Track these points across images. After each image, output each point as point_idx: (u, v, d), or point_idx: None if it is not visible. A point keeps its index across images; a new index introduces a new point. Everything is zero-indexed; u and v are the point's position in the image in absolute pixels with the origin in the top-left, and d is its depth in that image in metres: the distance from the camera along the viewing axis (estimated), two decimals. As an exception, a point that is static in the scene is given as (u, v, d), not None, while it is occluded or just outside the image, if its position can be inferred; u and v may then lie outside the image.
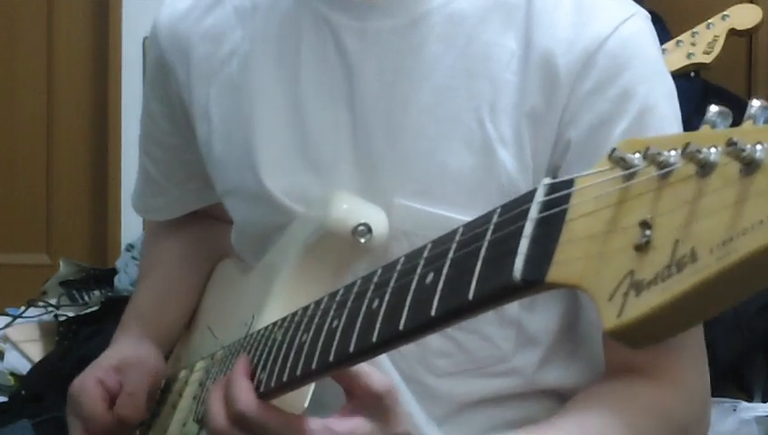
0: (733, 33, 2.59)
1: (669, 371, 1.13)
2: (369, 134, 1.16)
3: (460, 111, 1.14)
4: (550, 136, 1.13)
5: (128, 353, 1.37)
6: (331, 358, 0.91)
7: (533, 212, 0.69)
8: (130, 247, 3.35)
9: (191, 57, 1.29)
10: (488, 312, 1.09)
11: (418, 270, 0.81)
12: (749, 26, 2.60)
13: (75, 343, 2.94)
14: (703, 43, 2.57)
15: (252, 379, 1.04)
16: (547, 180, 0.71)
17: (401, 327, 0.81)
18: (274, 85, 1.22)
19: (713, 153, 0.57)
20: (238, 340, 1.17)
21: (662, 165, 0.59)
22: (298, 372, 0.96)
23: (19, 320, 3.18)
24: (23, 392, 2.85)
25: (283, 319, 1.04)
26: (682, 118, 1.16)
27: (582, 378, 1.20)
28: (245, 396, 1.01)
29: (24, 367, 3.02)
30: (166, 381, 1.40)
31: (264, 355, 1.03)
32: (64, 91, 3.81)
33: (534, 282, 0.67)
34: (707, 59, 2.56)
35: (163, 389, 1.40)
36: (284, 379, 0.98)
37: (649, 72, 1.14)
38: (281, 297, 1.16)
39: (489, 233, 0.74)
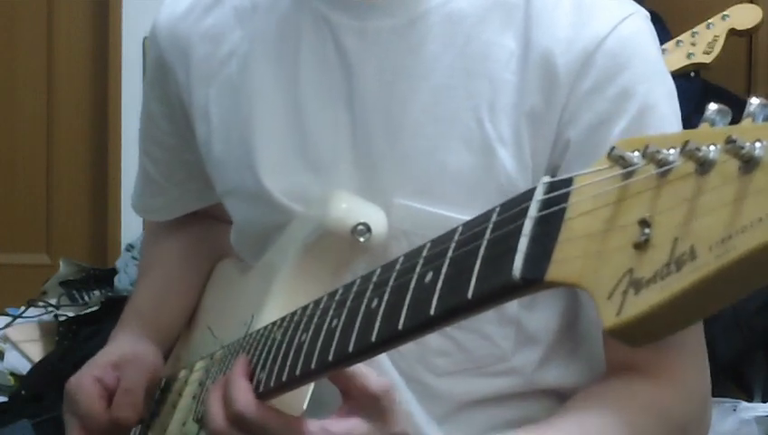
0: (733, 33, 2.59)
1: (669, 369, 1.13)
2: (369, 134, 1.16)
3: (459, 110, 1.14)
4: (549, 135, 1.13)
5: (126, 350, 1.37)
6: (330, 357, 0.91)
7: (533, 211, 0.69)
8: (130, 247, 3.35)
9: (191, 57, 1.29)
10: (488, 311, 1.09)
11: (417, 269, 0.81)
12: (749, 26, 2.60)
13: (75, 343, 2.94)
14: (703, 43, 2.57)
15: (251, 379, 1.04)
16: (546, 179, 0.71)
17: (400, 326, 0.81)
18: (274, 85, 1.22)
19: (712, 151, 0.57)
20: (237, 339, 1.17)
21: (661, 163, 0.59)
22: (297, 372, 0.96)
23: (19, 320, 3.19)
24: (23, 392, 2.85)
25: (283, 319, 1.04)
26: (682, 117, 1.16)
27: (582, 377, 1.20)
28: (244, 397, 1.01)
29: (24, 367, 3.02)
30: (166, 381, 1.40)
31: (264, 355, 1.03)
32: (64, 91, 3.82)
33: (534, 280, 0.67)
34: (707, 59, 2.56)
35: (163, 388, 1.40)
36: (284, 378, 0.98)
37: (649, 72, 1.14)
38: (280, 297, 1.16)
39: (488, 232, 0.74)
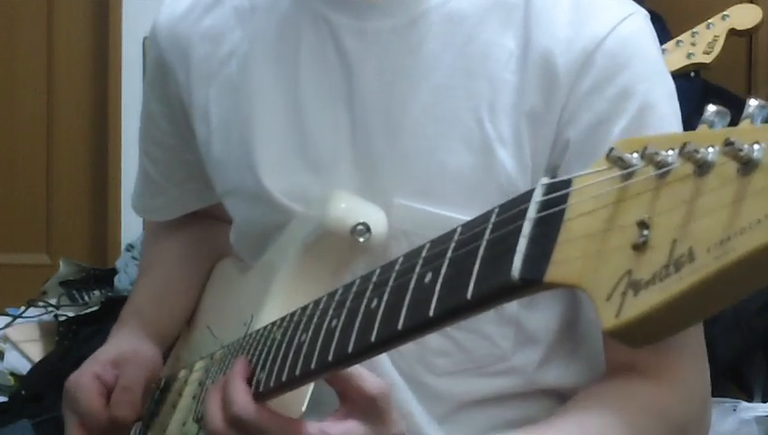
0: (733, 33, 2.59)
1: (669, 370, 1.13)
2: (369, 134, 1.16)
3: (459, 110, 1.14)
4: (549, 135, 1.13)
5: (125, 348, 1.37)
6: (330, 357, 0.91)
7: (532, 212, 0.69)
8: (130, 247, 3.35)
9: (190, 58, 1.29)
10: (487, 311, 1.09)
11: (417, 269, 0.81)
12: (749, 26, 2.60)
13: (75, 343, 2.94)
14: (703, 43, 2.56)
15: (251, 379, 1.04)
16: (545, 180, 0.71)
17: (400, 327, 0.81)
18: (273, 85, 1.22)
19: (710, 153, 0.57)
20: (237, 339, 1.17)
21: (660, 164, 0.59)
22: (297, 372, 0.96)
23: (19, 320, 3.19)
24: (23, 392, 2.85)
25: (282, 319, 1.04)
26: (682, 118, 1.16)
27: (582, 377, 1.20)
28: (242, 399, 1.01)
29: (24, 367, 3.02)
30: (165, 381, 1.40)
31: (264, 355, 1.03)
32: (64, 91, 3.82)
33: (533, 281, 0.67)
34: (707, 59, 2.56)
35: (163, 388, 1.40)
36: (283, 378, 0.98)
37: (649, 72, 1.14)
38: (280, 297, 1.16)
39: (487, 232, 0.74)
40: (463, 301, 0.73)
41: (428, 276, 0.79)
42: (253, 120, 1.22)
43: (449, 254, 0.78)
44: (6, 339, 3.11)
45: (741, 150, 0.54)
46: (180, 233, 1.50)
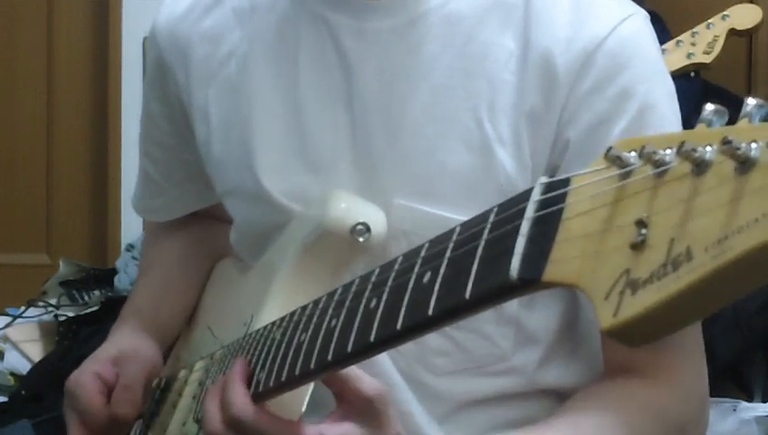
0: (733, 33, 2.59)
1: (667, 370, 1.13)
2: (369, 134, 1.16)
3: (458, 110, 1.14)
4: (549, 136, 1.13)
5: (124, 346, 1.37)
6: (329, 357, 0.91)
7: (530, 211, 0.69)
8: (130, 247, 3.35)
9: (190, 58, 1.29)
10: (487, 310, 1.09)
11: (416, 269, 0.81)
12: (749, 26, 2.60)
13: (75, 343, 2.94)
14: (703, 43, 2.56)
15: (250, 380, 1.04)
16: (544, 179, 0.71)
17: (399, 327, 0.81)
18: (273, 86, 1.22)
19: (708, 152, 0.57)
20: (237, 339, 1.17)
21: (658, 164, 0.59)
22: (296, 372, 0.96)
23: (19, 320, 3.18)
24: (23, 392, 2.85)
25: (282, 318, 1.04)
26: (682, 117, 1.16)
27: (583, 377, 1.20)
28: (240, 401, 1.01)
29: (24, 367, 3.02)
30: (166, 381, 1.40)
31: (263, 355, 1.03)
32: (64, 91, 3.82)
33: (531, 281, 0.67)
34: (707, 59, 2.56)
35: (163, 388, 1.40)
36: (283, 378, 0.98)
37: (649, 72, 1.14)
38: (279, 297, 1.16)
39: (486, 232, 0.74)
40: (461, 301, 0.74)
41: (427, 276, 0.79)
42: (252, 120, 1.22)
43: (448, 253, 0.78)
44: (6, 339, 3.11)
45: (738, 149, 0.54)
46: (180, 233, 1.50)
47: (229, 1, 1.28)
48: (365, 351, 0.87)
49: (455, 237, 0.78)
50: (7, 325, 3.16)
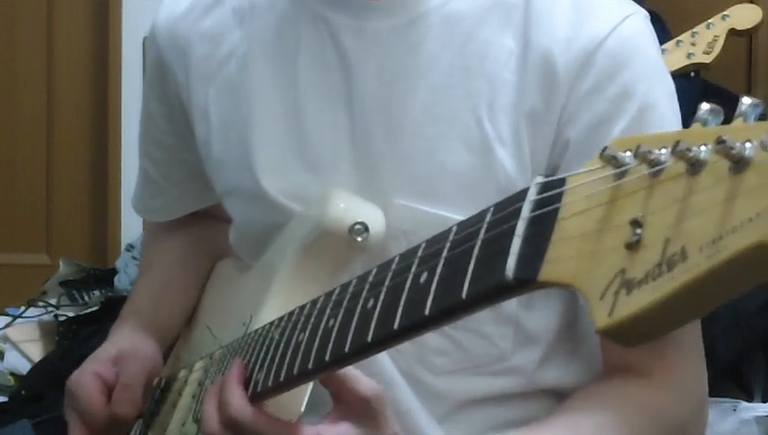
0: (733, 33, 2.59)
1: (665, 370, 1.13)
2: (368, 134, 1.16)
3: (458, 110, 1.14)
4: (549, 135, 1.13)
5: (124, 345, 1.37)
6: (327, 357, 0.91)
7: (526, 211, 0.69)
8: (130, 247, 3.35)
9: (190, 58, 1.29)
10: (486, 310, 1.09)
11: (413, 269, 0.81)
12: (749, 26, 2.60)
13: (75, 343, 2.94)
14: (703, 43, 2.56)
15: (248, 380, 1.04)
16: (540, 179, 0.71)
17: (396, 327, 0.81)
18: (273, 86, 1.22)
19: (703, 151, 0.57)
20: (236, 339, 1.18)
21: (653, 163, 0.59)
22: (295, 372, 0.96)
23: (19, 320, 3.19)
24: (23, 392, 2.85)
25: (280, 318, 1.04)
26: (682, 117, 1.16)
27: (582, 377, 1.20)
28: (238, 402, 1.02)
29: (24, 367, 3.02)
30: (166, 381, 1.40)
31: (262, 355, 1.04)
32: (64, 91, 3.82)
33: (527, 281, 0.67)
34: (707, 59, 2.56)
35: (163, 388, 1.40)
36: (281, 378, 0.98)
37: (649, 72, 1.14)
38: (278, 296, 1.16)
39: (482, 232, 0.74)
40: (458, 300, 0.74)
41: (424, 276, 0.79)
42: (252, 120, 1.22)
43: (445, 253, 0.78)
44: (6, 339, 3.11)
45: (733, 149, 0.54)
46: (180, 233, 1.50)
47: (229, 1, 1.28)
48: (362, 351, 0.87)
49: (451, 237, 0.78)
50: (7, 325, 3.17)
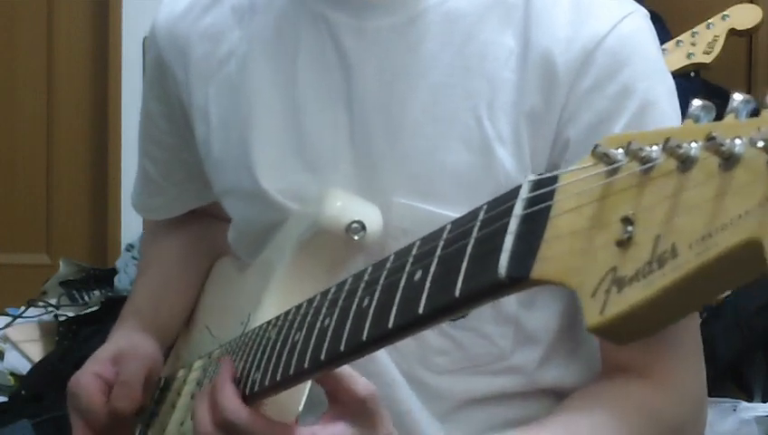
0: (733, 33, 2.59)
1: (663, 370, 1.13)
2: (368, 133, 1.16)
3: (458, 109, 1.14)
4: (549, 135, 1.13)
5: (123, 345, 1.37)
6: (322, 356, 0.90)
7: (518, 209, 0.69)
8: (130, 247, 3.35)
9: (189, 57, 1.29)
10: (486, 310, 1.09)
11: (407, 268, 0.81)
12: (749, 26, 2.60)
13: (75, 343, 2.94)
14: (703, 43, 2.56)
15: (245, 380, 1.04)
16: (532, 176, 0.70)
17: (390, 325, 0.81)
18: (272, 85, 1.22)
19: (693, 148, 0.56)
20: (234, 339, 1.18)
21: (644, 160, 0.59)
22: (291, 371, 0.96)
23: (19, 320, 3.19)
24: (23, 392, 2.86)
25: (277, 318, 1.04)
26: (681, 117, 1.16)
27: (582, 377, 1.20)
28: (233, 404, 1.01)
29: (24, 367, 3.02)
30: (165, 380, 1.40)
31: (258, 354, 1.03)
32: (64, 91, 3.82)
33: (519, 279, 0.67)
34: (707, 59, 2.56)
35: (162, 387, 1.40)
36: (278, 378, 0.98)
37: (649, 70, 1.14)
38: (276, 295, 1.16)
39: (476, 230, 0.74)
40: (452, 299, 0.73)
41: (418, 274, 0.79)
42: (251, 119, 1.22)
43: (438, 252, 0.78)
44: (6, 339, 3.11)
45: (722, 145, 0.54)
46: (179, 232, 1.50)
47: (228, 0, 1.28)
48: (358, 350, 0.87)
49: (445, 235, 0.78)
50: (7, 325, 3.17)
